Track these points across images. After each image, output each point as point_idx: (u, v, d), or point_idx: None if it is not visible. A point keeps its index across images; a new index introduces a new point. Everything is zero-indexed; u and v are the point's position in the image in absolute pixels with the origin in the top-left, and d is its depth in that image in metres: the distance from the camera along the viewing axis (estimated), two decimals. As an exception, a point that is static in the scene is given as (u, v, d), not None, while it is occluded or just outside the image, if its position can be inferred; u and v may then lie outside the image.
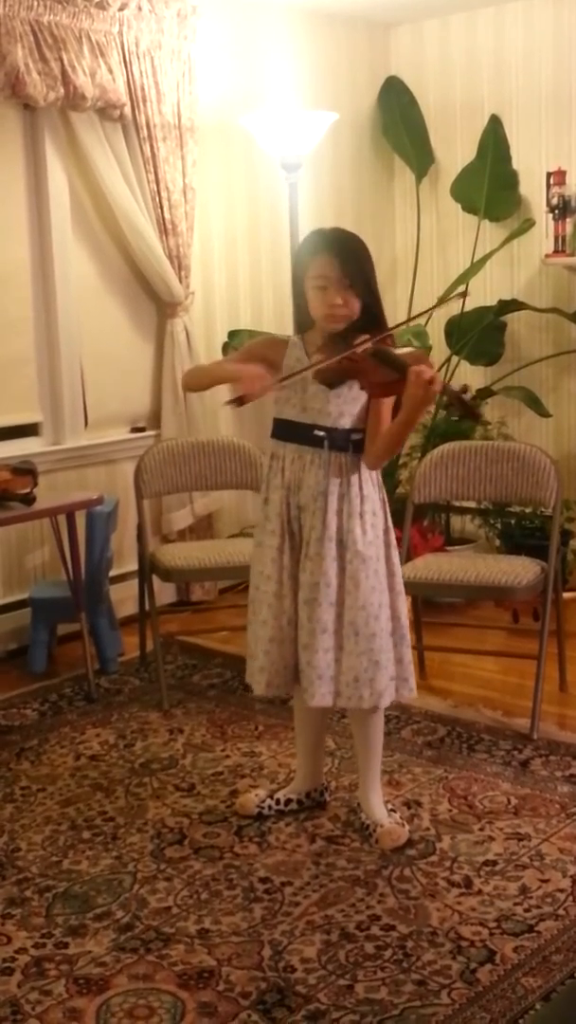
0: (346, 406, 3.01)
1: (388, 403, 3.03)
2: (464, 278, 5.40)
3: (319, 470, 3.02)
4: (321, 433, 3.02)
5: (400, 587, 3.15)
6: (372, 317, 3.00)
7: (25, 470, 4.18)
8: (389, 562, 3.11)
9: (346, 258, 2.95)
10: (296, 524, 3.07)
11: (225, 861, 3.11)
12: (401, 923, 2.79)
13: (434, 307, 3.43)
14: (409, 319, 3.50)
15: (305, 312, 3.05)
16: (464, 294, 3.63)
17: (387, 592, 3.09)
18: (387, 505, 3.15)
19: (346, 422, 3.02)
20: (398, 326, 3.18)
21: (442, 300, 3.59)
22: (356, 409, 3.03)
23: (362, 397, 3.02)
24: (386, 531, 3.11)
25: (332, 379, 2.95)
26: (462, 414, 3.02)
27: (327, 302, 2.96)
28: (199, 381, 3.27)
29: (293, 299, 3.12)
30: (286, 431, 3.07)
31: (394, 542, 3.14)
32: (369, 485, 3.07)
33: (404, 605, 3.16)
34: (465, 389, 2.92)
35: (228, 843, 3.20)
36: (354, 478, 3.04)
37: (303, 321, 3.09)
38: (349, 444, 3.03)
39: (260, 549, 3.12)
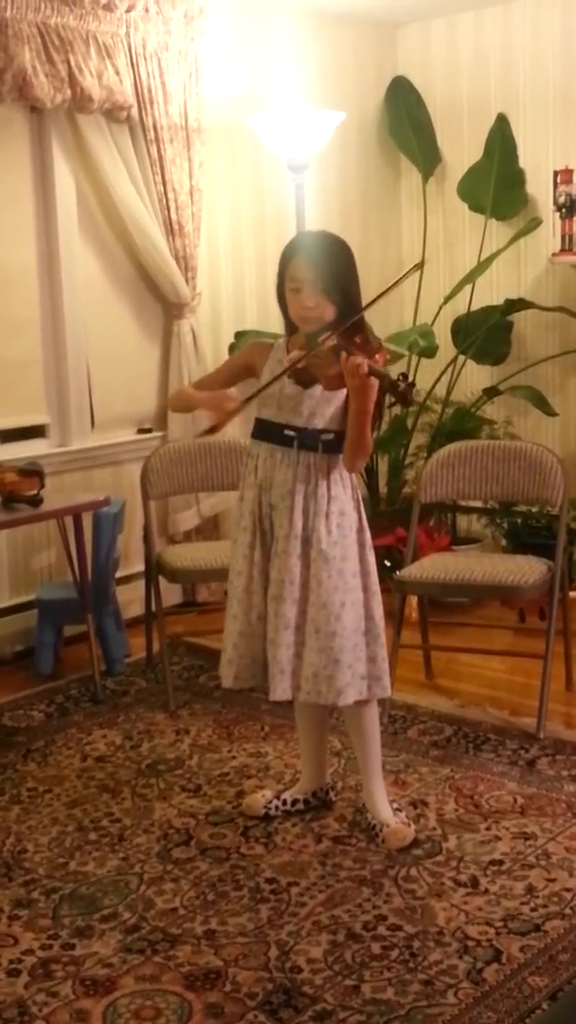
0: (319, 407, 3.01)
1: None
2: (471, 277, 5.40)
3: (288, 469, 3.05)
4: (291, 433, 3.03)
5: (375, 587, 3.15)
6: (347, 319, 2.94)
7: (32, 472, 4.19)
8: (364, 562, 3.11)
9: (320, 262, 2.96)
10: (267, 522, 3.10)
11: (232, 862, 3.11)
12: (407, 923, 2.79)
13: (389, 288, 3.08)
14: (366, 306, 3.04)
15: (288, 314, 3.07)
16: (420, 265, 3.27)
17: (358, 591, 3.10)
18: (362, 506, 3.14)
19: (318, 422, 3.03)
20: (361, 311, 3.00)
21: (398, 282, 3.15)
22: (330, 410, 3.03)
23: (336, 398, 3.02)
24: (359, 531, 3.11)
25: (304, 378, 2.95)
26: (394, 400, 2.91)
27: (301, 304, 2.97)
28: (182, 405, 3.46)
29: (278, 301, 3.10)
30: (262, 430, 3.10)
31: (369, 542, 3.13)
32: (338, 486, 3.07)
33: (379, 605, 3.16)
34: (404, 377, 2.88)
35: (234, 844, 3.20)
36: (322, 478, 3.05)
37: (288, 323, 3.09)
38: (319, 444, 3.04)
39: (234, 546, 3.17)
